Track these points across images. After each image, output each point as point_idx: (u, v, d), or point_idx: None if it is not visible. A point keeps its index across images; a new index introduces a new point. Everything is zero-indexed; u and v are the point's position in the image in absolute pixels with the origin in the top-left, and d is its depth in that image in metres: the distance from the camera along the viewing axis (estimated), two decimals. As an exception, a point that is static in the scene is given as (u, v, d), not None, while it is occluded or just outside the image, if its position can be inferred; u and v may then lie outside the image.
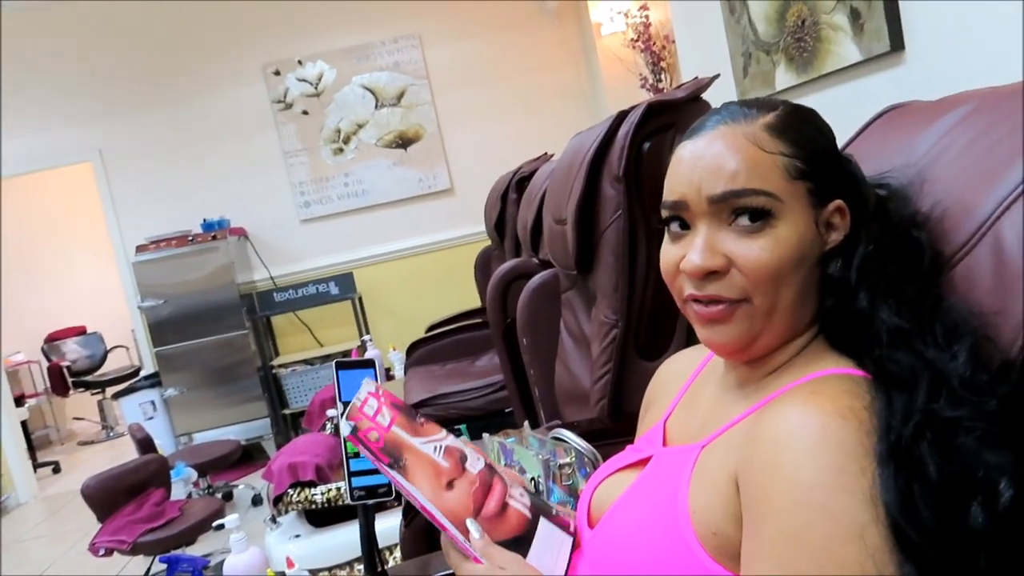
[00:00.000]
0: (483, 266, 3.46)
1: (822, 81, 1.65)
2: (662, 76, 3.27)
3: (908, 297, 0.58)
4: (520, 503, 0.68)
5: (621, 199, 1.35)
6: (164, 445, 3.64)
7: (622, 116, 1.37)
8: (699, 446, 0.65)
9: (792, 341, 0.64)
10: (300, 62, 4.32)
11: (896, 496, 0.49)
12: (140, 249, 4.11)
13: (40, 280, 6.06)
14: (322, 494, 2.34)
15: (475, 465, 0.67)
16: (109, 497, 2.57)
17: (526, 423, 1.15)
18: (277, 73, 4.32)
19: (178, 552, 2.43)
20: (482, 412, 2.44)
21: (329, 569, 2.31)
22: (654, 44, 3.25)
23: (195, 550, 2.73)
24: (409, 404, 0.72)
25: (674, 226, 0.64)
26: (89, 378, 5.65)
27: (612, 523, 0.69)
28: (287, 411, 4.24)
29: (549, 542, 0.68)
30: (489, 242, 3.50)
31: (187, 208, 4.29)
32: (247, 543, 1.70)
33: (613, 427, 1.41)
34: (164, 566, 2.11)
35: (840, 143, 0.69)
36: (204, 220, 4.20)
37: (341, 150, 4.38)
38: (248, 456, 3.98)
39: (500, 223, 2.94)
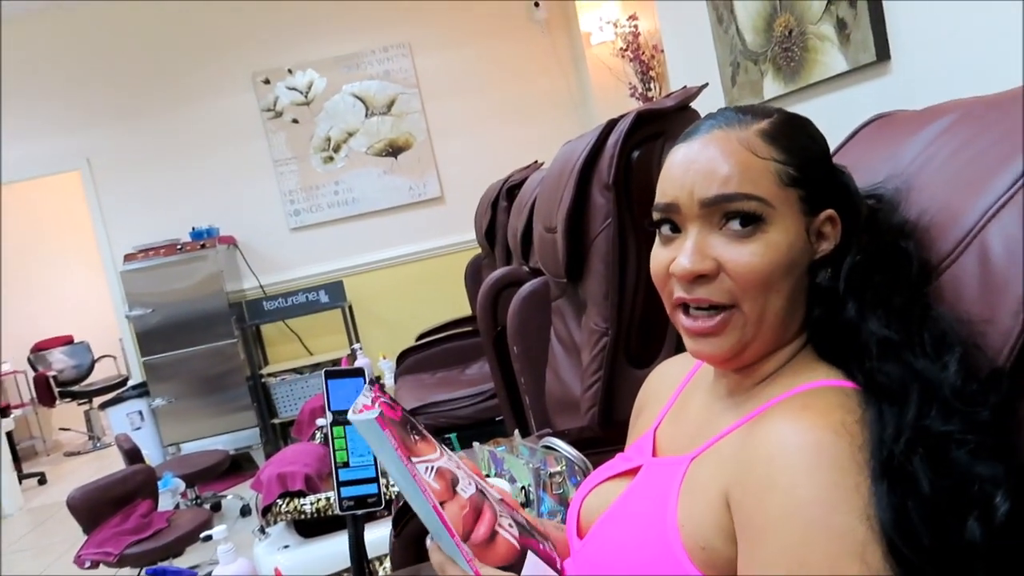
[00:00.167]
0: (473, 274, 3.46)
1: (809, 90, 1.66)
2: (651, 85, 3.29)
3: (897, 307, 0.58)
4: (509, 533, 0.66)
5: (611, 207, 1.35)
6: (152, 455, 3.60)
7: (612, 124, 1.38)
8: (688, 458, 0.64)
9: (781, 350, 0.64)
10: (290, 71, 4.32)
11: (890, 514, 0.49)
12: (128, 258, 4.08)
13: (27, 289, 6.00)
14: (311, 504, 2.32)
15: (466, 489, 0.65)
16: (95, 508, 2.54)
17: (516, 432, 1.15)
18: (267, 82, 4.32)
19: (165, 564, 2.41)
20: (472, 420, 2.44)
21: (318, 580, 2.28)
22: (643, 53, 3.27)
23: (183, 562, 2.70)
24: None
25: (665, 229, 0.64)
26: (76, 388, 5.59)
27: (601, 534, 0.69)
28: (276, 420, 4.21)
29: (537, 574, 0.67)
30: (479, 250, 3.50)
31: (176, 217, 4.27)
32: (235, 554, 1.69)
33: (603, 435, 1.41)
34: (151, 578, 2.09)
35: (827, 152, 0.69)
36: (193, 229, 4.18)
37: (331, 158, 4.38)
38: (237, 466, 3.95)
39: (490, 231, 2.94)
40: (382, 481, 0.99)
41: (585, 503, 0.76)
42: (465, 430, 2.36)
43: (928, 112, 0.73)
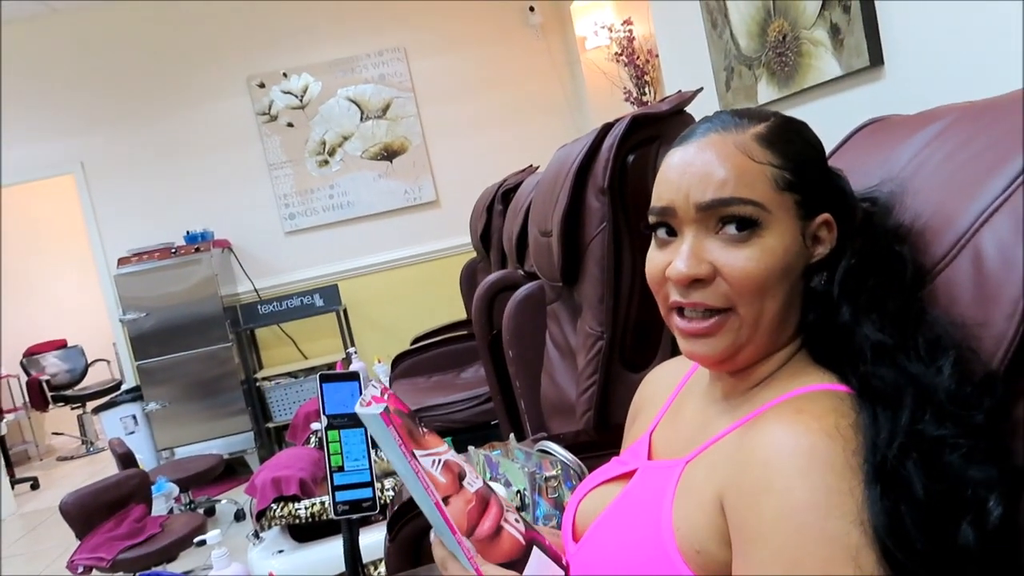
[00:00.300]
0: (468, 278, 3.46)
1: (803, 95, 1.67)
2: (646, 90, 3.30)
3: (891, 311, 0.58)
4: (515, 528, 0.66)
5: (606, 211, 1.35)
6: (145, 460, 3.59)
7: (607, 128, 1.38)
8: (683, 461, 0.64)
9: (775, 353, 0.64)
10: (285, 75, 4.32)
11: (884, 518, 0.49)
12: (122, 262, 4.06)
13: (20, 293, 5.97)
14: (306, 509, 2.31)
15: (473, 484, 0.65)
16: (88, 513, 2.53)
17: (512, 435, 1.15)
18: (262, 85, 4.32)
19: (159, 569, 2.39)
20: (468, 424, 2.44)
21: (313, 585, 2.28)
22: (638, 58, 3.28)
23: (176, 567, 2.69)
24: None
25: (661, 232, 0.64)
26: (69, 392, 5.57)
27: (596, 538, 0.69)
28: (271, 424, 4.20)
29: (541, 572, 0.67)
30: (474, 254, 3.51)
31: (170, 220, 4.26)
32: (229, 559, 1.68)
33: (599, 439, 1.41)
34: (144, 584, 2.08)
35: (821, 156, 0.69)
36: (187, 232, 4.17)
37: (326, 162, 4.37)
38: (231, 470, 3.94)
39: (486, 235, 2.94)
40: (377, 485, 0.99)
41: (580, 507, 0.76)
42: (460, 434, 2.35)
43: (922, 117, 0.74)
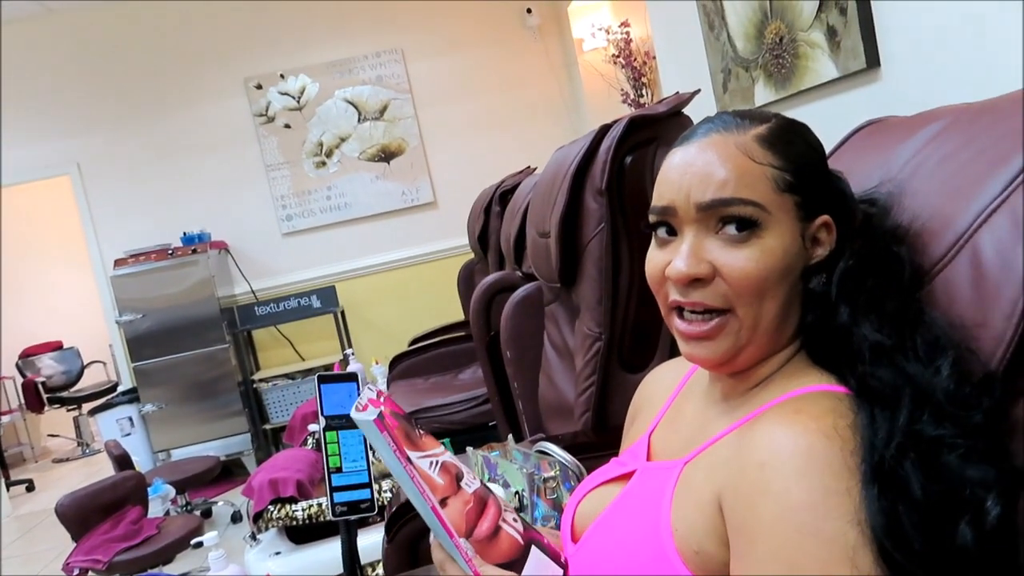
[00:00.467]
0: (466, 279, 3.46)
1: (800, 97, 1.67)
2: (643, 91, 3.30)
3: (889, 312, 0.58)
4: (513, 528, 0.66)
5: (604, 212, 1.36)
6: (142, 462, 3.58)
7: (604, 130, 1.38)
8: (682, 462, 0.64)
9: (775, 355, 0.64)
10: (282, 76, 4.31)
11: (882, 518, 0.49)
12: (119, 263, 4.05)
13: (16, 294, 5.95)
14: (303, 510, 2.31)
15: (471, 484, 0.65)
16: (84, 515, 2.52)
17: (510, 436, 1.15)
18: (259, 87, 4.31)
19: (155, 571, 2.39)
20: (465, 426, 2.44)
21: (310, 587, 2.27)
22: (635, 60, 3.28)
23: (173, 569, 2.68)
24: None
25: (661, 232, 0.64)
26: (65, 394, 5.55)
27: (595, 538, 0.69)
28: (268, 426, 4.19)
29: (539, 572, 0.67)
30: (472, 255, 3.50)
31: (167, 221, 4.25)
32: (226, 561, 1.67)
33: (597, 440, 1.41)
34: (141, 586, 2.07)
35: (820, 157, 0.70)
36: (184, 233, 4.16)
37: (324, 163, 4.37)
38: (228, 472, 3.92)
39: (483, 236, 2.94)
40: (375, 487, 0.98)
41: (579, 507, 0.76)
42: (458, 435, 2.35)
43: (919, 118, 0.74)
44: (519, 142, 4.31)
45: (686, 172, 0.62)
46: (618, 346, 1.41)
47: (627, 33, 3.31)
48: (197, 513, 3.22)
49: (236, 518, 3.41)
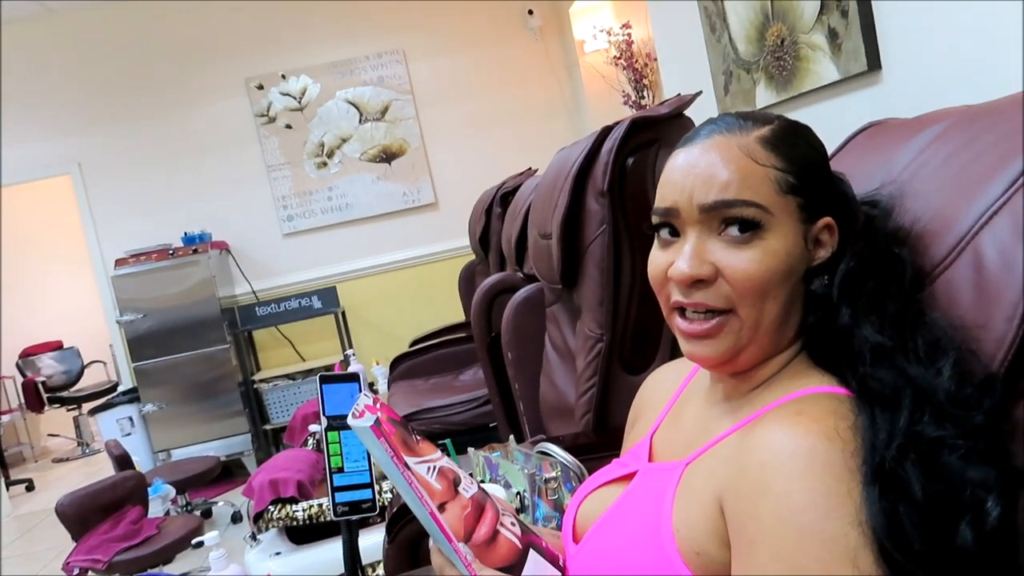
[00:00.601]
0: (467, 280, 3.46)
1: (801, 99, 1.68)
2: (644, 93, 3.31)
3: (890, 313, 0.58)
4: (511, 532, 0.66)
5: (605, 213, 1.36)
6: (142, 462, 3.57)
7: (606, 131, 1.39)
8: (683, 463, 0.65)
9: (776, 356, 0.64)
10: (284, 76, 4.32)
11: (882, 519, 0.49)
12: (119, 263, 4.05)
13: (16, 294, 5.95)
14: (303, 511, 2.31)
15: (468, 489, 0.66)
16: (84, 515, 2.52)
17: (511, 437, 1.15)
18: (260, 87, 4.32)
19: (155, 571, 2.39)
20: (466, 427, 2.44)
21: (310, 587, 2.27)
22: (636, 62, 3.28)
23: (173, 569, 2.68)
24: None
25: (664, 233, 0.65)
26: (65, 394, 5.55)
27: (596, 539, 0.69)
28: (268, 426, 4.19)
29: (538, 574, 0.67)
30: (473, 256, 3.51)
31: (168, 222, 4.25)
32: (227, 561, 1.67)
33: (598, 441, 1.41)
34: (141, 585, 2.07)
35: (821, 159, 0.70)
36: (185, 234, 4.16)
37: (325, 164, 4.37)
38: (228, 472, 3.93)
39: (484, 237, 2.95)
40: (376, 487, 0.99)
41: (581, 508, 0.76)
42: (459, 436, 2.35)
43: (920, 120, 0.74)
44: (520, 143, 4.31)
45: (689, 173, 0.62)
46: (619, 347, 1.41)
47: (628, 35, 3.31)
48: (197, 513, 3.22)
49: (236, 518, 3.41)
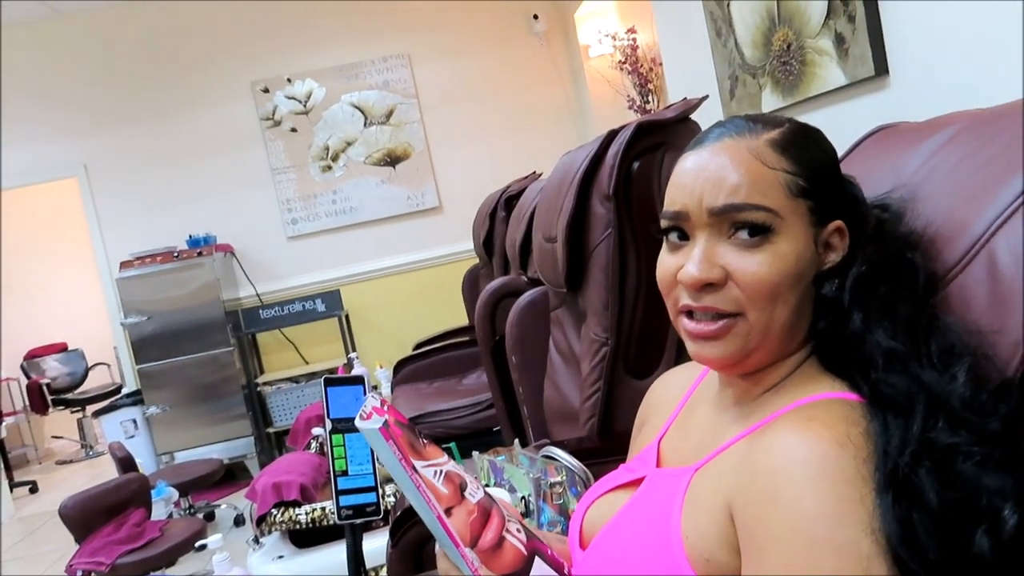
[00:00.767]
0: (471, 284, 3.46)
1: (807, 104, 1.67)
2: (649, 98, 3.30)
3: (903, 318, 0.58)
4: (516, 539, 0.66)
5: (611, 217, 1.35)
6: (145, 464, 3.58)
7: (612, 135, 1.38)
8: (692, 469, 0.64)
9: (785, 360, 0.64)
10: (289, 80, 4.33)
11: (896, 527, 0.49)
12: (124, 265, 4.06)
13: (21, 296, 5.97)
14: (306, 514, 2.30)
15: (475, 494, 0.65)
16: (87, 517, 2.52)
17: (516, 441, 1.14)
18: (266, 91, 4.33)
19: (158, 574, 2.39)
20: (470, 430, 2.43)
21: (313, 591, 2.26)
22: (641, 67, 3.28)
23: (175, 571, 2.68)
24: None
25: (673, 236, 0.64)
26: (69, 396, 5.56)
27: (604, 545, 0.68)
28: (271, 429, 4.19)
29: None
30: (477, 260, 3.51)
31: (173, 224, 4.26)
32: (230, 564, 1.67)
33: (602, 446, 1.41)
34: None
35: (831, 163, 0.69)
36: (190, 236, 4.17)
37: (329, 167, 4.38)
38: (231, 475, 3.92)
39: (488, 241, 2.95)
40: (380, 491, 0.98)
41: (588, 514, 0.76)
42: (462, 440, 2.34)
43: (931, 124, 0.74)
44: (524, 147, 4.32)
45: (698, 177, 0.62)
46: (624, 352, 1.40)
47: (634, 39, 3.31)
48: (200, 516, 3.22)
49: (239, 521, 3.41)
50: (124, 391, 4.47)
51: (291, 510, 2.31)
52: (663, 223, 0.65)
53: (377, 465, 0.98)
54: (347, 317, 4.28)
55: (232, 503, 3.60)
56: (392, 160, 4.40)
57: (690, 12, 2.16)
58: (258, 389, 4.18)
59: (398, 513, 1.38)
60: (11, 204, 5.44)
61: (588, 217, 1.41)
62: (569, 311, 1.66)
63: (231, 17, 4.27)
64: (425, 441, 0.65)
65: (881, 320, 0.58)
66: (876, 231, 0.63)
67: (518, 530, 0.67)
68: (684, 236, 0.63)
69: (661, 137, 1.34)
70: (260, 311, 4.23)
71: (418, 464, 0.62)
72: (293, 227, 4.38)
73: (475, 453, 1.12)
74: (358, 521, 0.97)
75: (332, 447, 0.96)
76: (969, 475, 0.50)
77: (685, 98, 1.42)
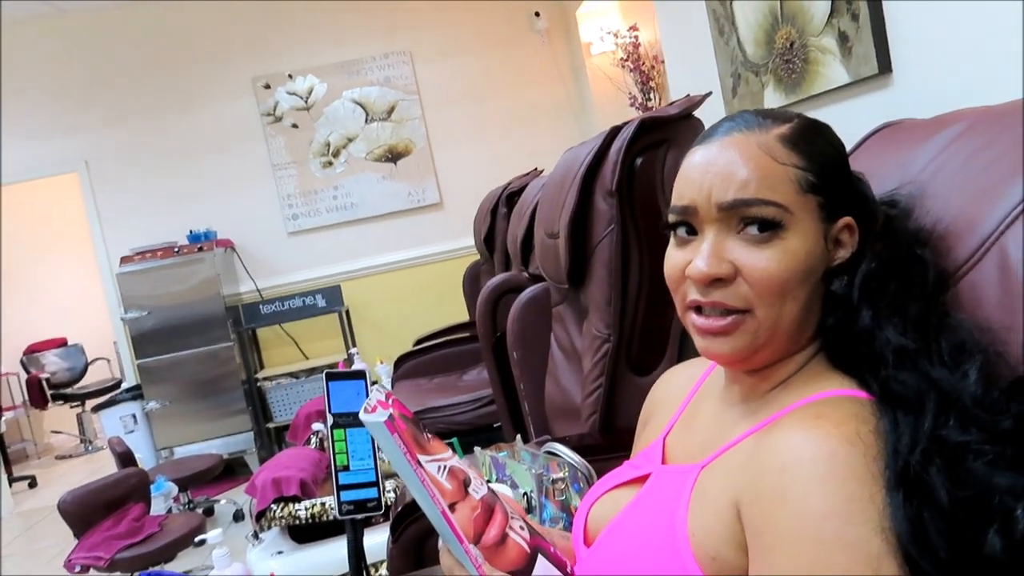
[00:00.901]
0: (471, 280, 3.46)
1: (810, 102, 1.67)
2: (651, 95, 3.30)
3: (913, 315, 0.57)
4: (520, 536, 0.66)
5: (614, 213, 1.35)
6: (144, 459, 3.58)
7: (615, 131, 1.38)
8: (699, 466, 0.63)
9: (794, 356, 0.63)
10: (290, 76, 4.32)
11: (907, 526, 0.48)
12: (125, 260, 4.06)
13: (21, 291, 5.97)
14: (306, 510, 2.30)
15: (478, 490, 0.65)
16: (87, 512, 2.52)
17: (518, 437, 1.14)
18: (267, 86, 4.32)
19: (157, 569, 2.38)
20: (470, 426, 2.43)
21: (312, 586, 2.26)
22: (643, 64, 3.28)
23: (175, 567, 2.68)
24: None
25: (681, 231, 0.64)
26: (68, 391, 5.55)
27: (609, 542, 0.68)
28: (271, 425, 4.19)
29: None
30: (477, 256, 3.50)
31: (173, 219, 4.26)
32: (229, 559, 1.67)
33: (604, 442, 1.40)
34: (143, 583, 2.07)
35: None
36: (190, 232, 4.17)
37: (330, 163, 4.37)
38: (230, 470, 3.93)
39: (489, 237, 2.94)
40: (381, 486, 0.98)
41: (592, 511, 0.75)
42: (463, 436, 2.34)
43: (937, 121, 0.73)
44: (526, 144, 4.31)
45: (707, 171, 0.61)
46: (626, 348, 1.40)
47: (635, 37, 3.30)
48: (199, 511, 3.22)
49: (238, 517, 3.41)
50: (124, 386, 4.47)
51: (291, 505, 2.30)
52: (671, 217, 0.64)
53: (378, 460, 0.97)
54: (347, 313, 4.28)
55: (232, 498, 3.60)
56: (393, 156, 4.40)
57: (692, 10, 2.15)
58: (258, 384, 4.18)
59: (399, 508, 1.38)
60: (12, 199, 5.43)
61: (591, 213, 1.41)
62: (571, 307, 1.66)
63: (233, 14, 4.26)
64: (429, 436, 0.65)
65: (891, 317, 0.58)
66: (885, 228, 0.62)
67: (521, 527, 0.67)
68: (692, 231, 0.63)
69: (664, 133, 1.34)
70: (260, 306, 4.23)
71: (423, 459, 0.62)
72: (294, 223, 4.37)
73: (477, 449, 1.12)
74: (359, 516, 0.97)
75: (333, 442, 0.95)
76: (980, 474, 0.49)
77: (688, 95, 1.42)
